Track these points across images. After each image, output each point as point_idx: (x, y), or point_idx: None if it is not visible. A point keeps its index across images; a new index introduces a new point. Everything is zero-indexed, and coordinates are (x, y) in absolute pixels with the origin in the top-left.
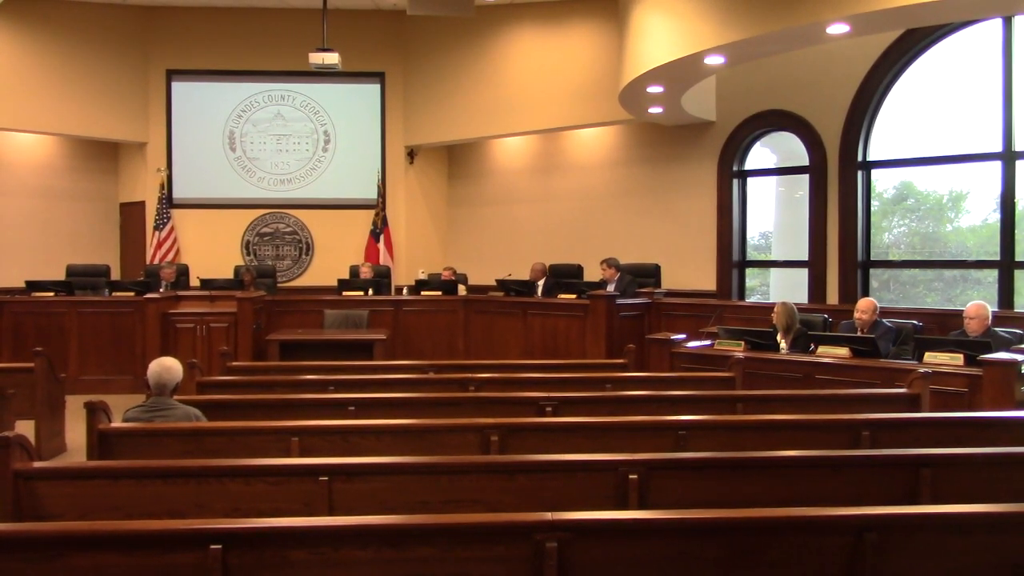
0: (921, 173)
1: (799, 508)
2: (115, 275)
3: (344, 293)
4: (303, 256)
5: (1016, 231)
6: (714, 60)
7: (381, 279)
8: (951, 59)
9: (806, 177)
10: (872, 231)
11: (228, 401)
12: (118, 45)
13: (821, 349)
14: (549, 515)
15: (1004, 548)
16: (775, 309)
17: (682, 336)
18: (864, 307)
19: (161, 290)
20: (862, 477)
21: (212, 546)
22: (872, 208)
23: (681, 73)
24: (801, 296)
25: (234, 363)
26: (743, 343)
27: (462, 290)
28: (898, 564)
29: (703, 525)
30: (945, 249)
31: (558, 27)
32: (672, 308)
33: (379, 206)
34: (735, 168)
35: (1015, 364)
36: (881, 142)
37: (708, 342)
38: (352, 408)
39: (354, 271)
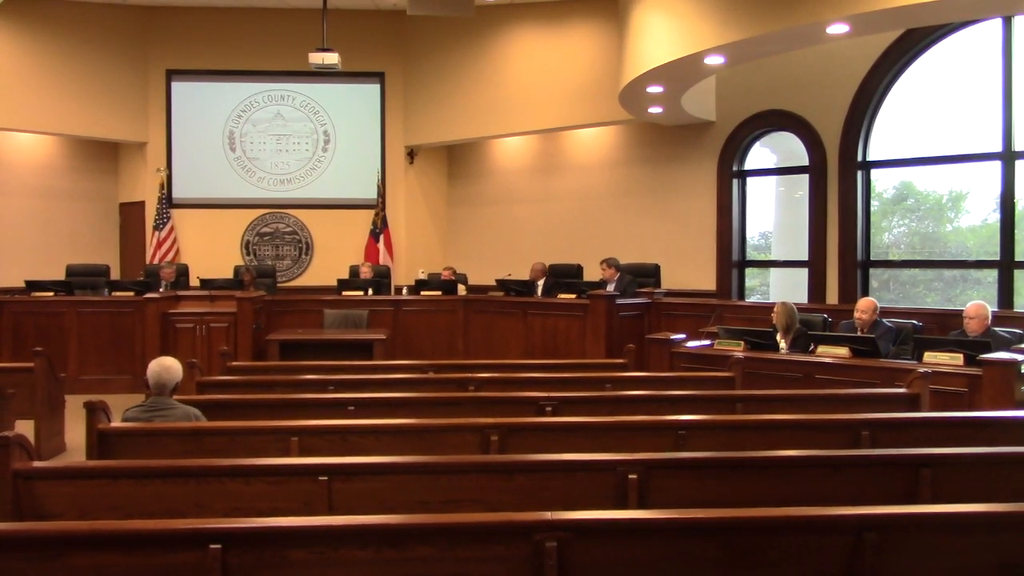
0: (921, 173)
1: (799, 508)
2: (115, 275)
3: (344, 293)
4: (303, 256)
5: (1016, 231)
6: (714, 60)
7: (381, 279)
8: (951, 59)
9: (806, 177)
10: (872, 231)
11: (228, 401)
12: (118, 45)
13: (821, 349)
14: (549, 515)
15: (1003, 548)
16: (775, 309)
17: (682, 336)
18: (864, 307)
19: (161, 290)
20: (862, 477)
21: (212, 546)
22: (872, 208)
23: (681, 73)
24: (801, 296)
25: (234, 363)
26: (743, 343)
27: (462, 290)
28: (897, 564)
29: (703, 525)
30: (945, 249)
31: (558, 27)
32: (672, 308)
33: (379, 206)
34: (735, 168)
35: (1015, 364)
36: (881, 142)
37: (708, 342)
38: (352, 408)
39: (354, 271)
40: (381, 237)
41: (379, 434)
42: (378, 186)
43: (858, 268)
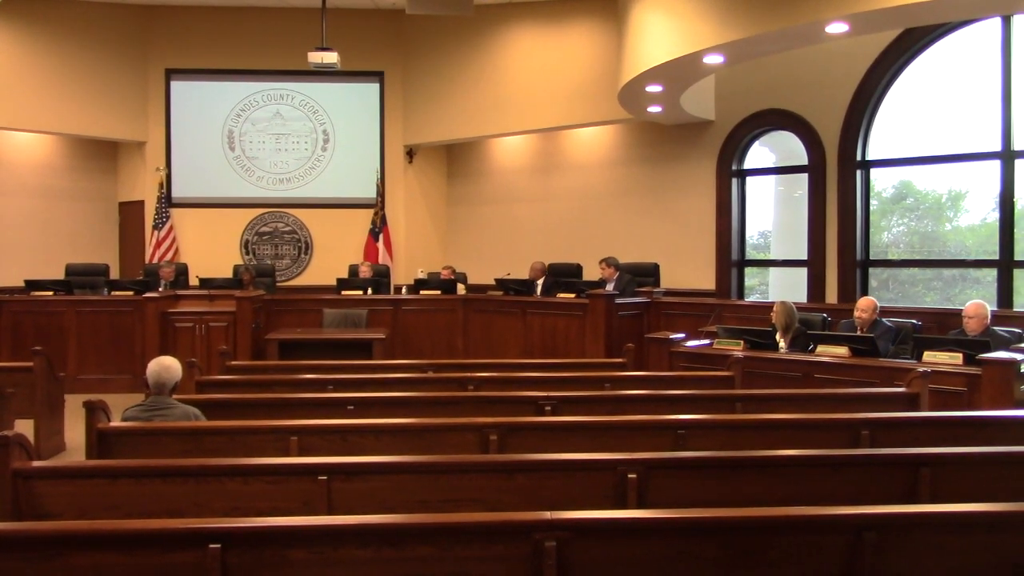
0: (920, 172)
1: (798, 507)
2: (114, 274)
3: (343, 292)
4: (302, 255)
5: (1015, 230)
6: (713, 59)
7: (380, 278)
8: (950, 58)
9: (805, 176)
10: (871, 230)
11: (227, 400)
12: (117, 44)
13: (820, 348)
14: (548, 514)
15: (1003, 547)
16: (774, 308)
17: (681, 335)
18: (864, 306)
19: (160, 289)
20: (861, 476)
21: (211, 545)
22: (871, 207)
23: (680, 72)
24: (800, 295)
25: (233, 362)
26: (742, 342)
27: (461, 289)
28: (897, 563)
29: (702, 524)
30: (944, 248)
31: (557, 26)
32: (671, 307)
33: (378, 205)
34: (734, 167)
35: (1014, 363)
36: (880, 141)
37: (707, 341)
38: (351, 407)
39: (353, 270)
40: (380, 236)
41: (379, 434)
42: (377, 185)
43: (857, 267)
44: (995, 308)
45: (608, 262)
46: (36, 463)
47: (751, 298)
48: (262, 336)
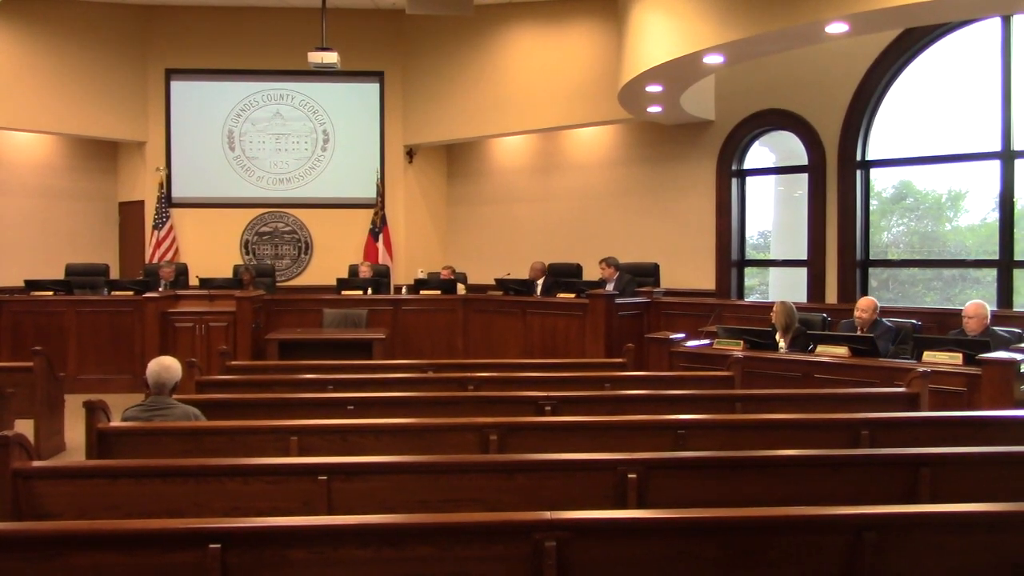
0: (920, 172)
1: (798, 508)
2: (114, 274)
3: (343, 292)
4: (302, 255)
5: (1015, 230)
6: (713, 59)
7: (380, 278)
8: (950, 58)
9: (805, 176)
10: (871, 230)
11: (227, 400)
12: (117, 44)
13: (820, 348)
14: (548, 514)
15: (1003, 547)
16: (774, 308)
17: (681, 335)
18: (864, 306)
19: (160, 289)
20: (861, 476)
21: (211, 545)
22: (871, 207)
23: (680, 72)
24: (800, 295)
25: (233, 362)
26: (742, 342)
27: (461, 289)
28: (897, 563)
29: (702, 524)
30: (944, 248)
31: (557, 26)
32: (671, 307)
33: (378, 205)
34: (734, 167)
35: (1014, 363)
36: (880, 141)
37: (707, 341)
38: (351, 407)
39: (353, 270)
40: (380, 236)
41: (379, 434)
42: (377, 185)
43: (857, 267)
44: (995, 308)
45: (608, 262)
46: (36, 463)
47: (751, 298)
48: (262, 336)
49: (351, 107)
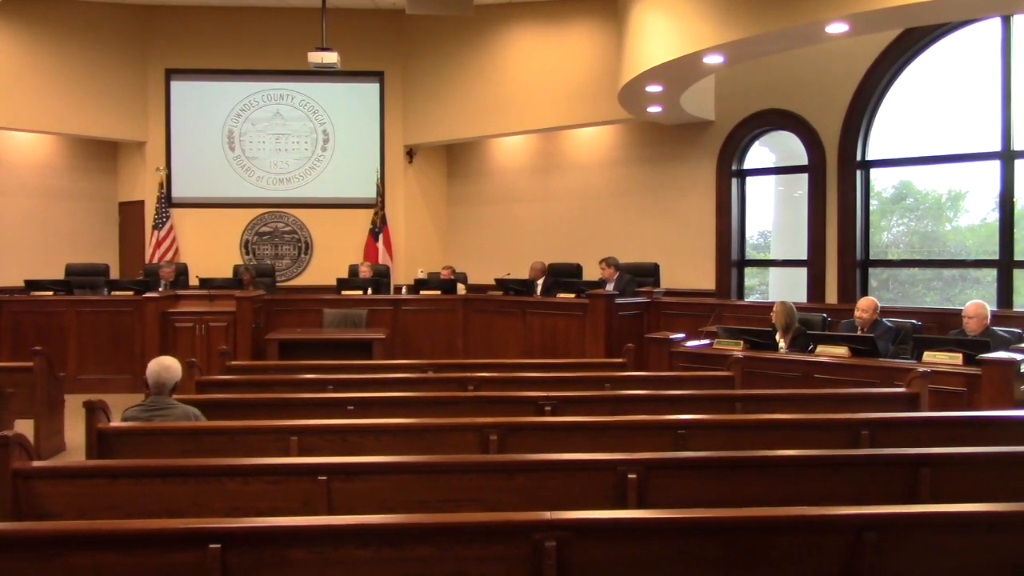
0: (920, 172)
1: (798, 508)
2: (114, 274)
3: (343, 292)
4: (302, 255)
5: (1015, 230)
6: (713, 59)
7: (380, 278)
8: (950, 58)
9: (805, 176)
10: (871, 230)
11: (227, 400)
12: (117, 44)
13: (820, 348)
14: (548, 514)
15: (1003, 547)
16: (774, 308)
17: (681, 335)
18: (865, 306)
19: (160, 289)
20: (861, 476)
21: (211, 545)
22: (871, 207)
23: (680, 72)
24: (800, 295)
25: (233, 362)
26: (742, 342)
27: (461, 289)
28: (897, 563)
29: (702, 525)
30: (944, 248)
31: (557, 26)
32: (671, 307)
33: (378, 205)
34: (734, 167)
35: (1014, 363)
36: (880, 141)
37: (707, 341)
38: (351, 407)
39: (353, 270)
40: (380, 236)
41: (379, 434)
42: (377, 185)
43: (857, 267)
44: (995, 308)
45: (608, 262)
46: (36, 463)
47: (751, 298)
48: (262, 336)
49: (351, 107)
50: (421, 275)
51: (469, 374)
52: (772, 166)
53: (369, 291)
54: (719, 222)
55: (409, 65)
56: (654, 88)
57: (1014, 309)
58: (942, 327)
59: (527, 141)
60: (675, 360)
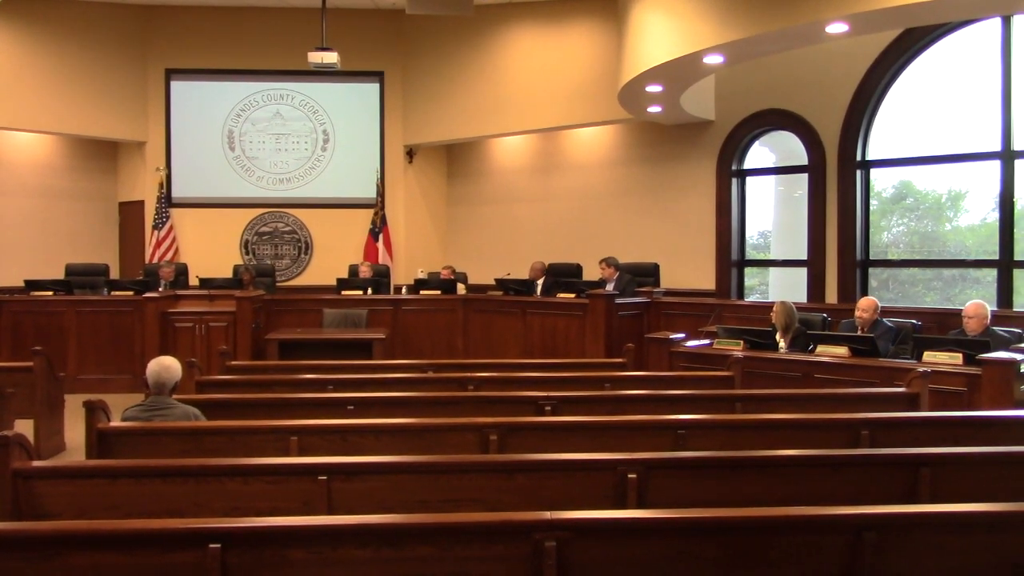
0: (920, 172)
1: (798, 508)
2: (114, 274)
3: (343, 292)
4: (302, 255)
5: (1015, 230)
6: (713, 59)
7: (380, 278)
8: (950, 58)
9: (805, 176)
10: (871, 230)
11: (227, 400)
12: (117, 44)
13: (820, 348)
14: (548, 514)
15: (1003, 547)
16: (774, 308)
17: (681, 335)
18: (865, 306)
19: (160, 289)
20: (861, 476)
21: (211, 545)
22: (871, 207)
23: (680, 72)
24: (800, 295)
25: (233, 362)
26: (742, 342)
27: (461, 289)
28: (897, 563)
29: (702, 524)
30: (944, 248)
31: (557, 26)
32: (671, 307)
33: (378, 205)
34: (734, 167)
35: (1014, 363)
36: (880, 141)
37: (707, 341)
38: (351, 407)
39: (353, 270)
40: (380, 236)
41: (378, 434)
42: (377, 185)
43: (857, 267)
44: (995, 308)
45: (608, 262)
46: (36, 463)
47: (751, 298)
48: (262, 336)
49: (351, 107)
50: (421, 275)
51: (469, 374)
52: (772, 166)
53: (369, 291)
54: (719, 222)
55: (409, 65)
56: (654, 88)
57: (1014, 309)
58: (942, 327)
59: (527, 141)
60: (675, 360)
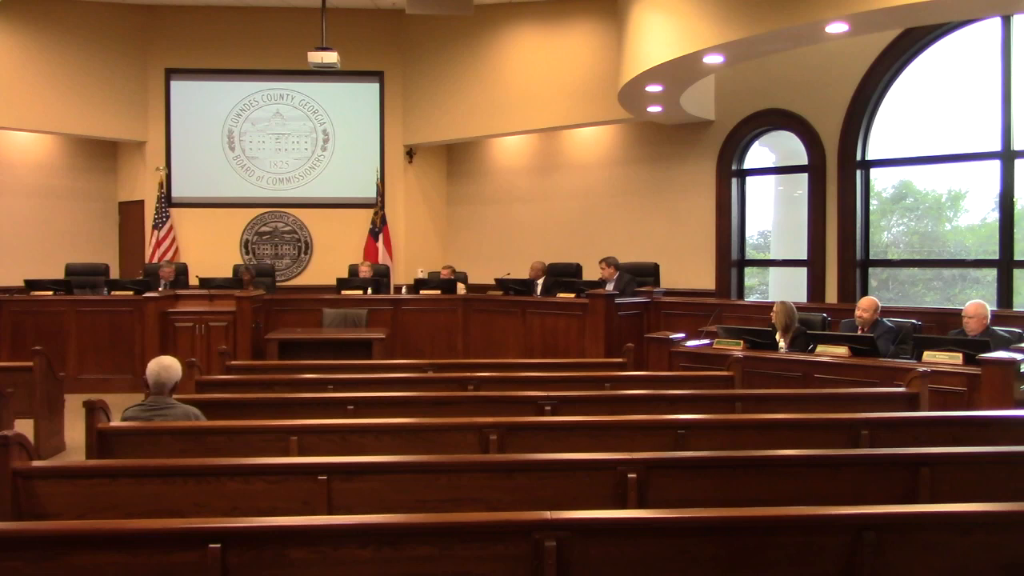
0: (920, 172)
1: (798, 507)
2: (114, 274)
3: (343, 292)
4: (302, 255)
5: (1015, 230)
6: (713, 59)
7: (380, 278)
8: (950, 58)
9: (805, 176)
10: (871, 230)
11: (227, 400)
12: (117, 44)
13: (820, 348)
14: (548, 514)
15: (1003, 547)
16: (774, 308)
17: (681, 335)
18: (865, 306)
19: (160, 289)
20: (861, 476)
21: (211, 545)
22: (871, 207)
23: (680, 72)
24: (800, 295)
25: (233, 362)
26: (742, 342)
27: (461, 289)
28: (897, 563)
29: (702, 524)
30: (944, 248)
31: (557, 26)
32: (671, 307)
33: (378, 205)
34: (734, 167)
35: (1014, 363)
36: (880, 141)
37: (707, 341)
38: (351, 407)
39: (353, 270)
40: (380, 236)
41: (378, 433)
42: (377, 185)
43: (857, 267)
44: (995, 308)
45: (608, 262)
46: (36, 463)
47: (751, 298)
48: (262, 336)
49: (351, 107)
50: (421, 275)
51: (469, 374)
52: (772, 166)
53: (369, 291)
54: (719, 222)
55: (409, 65)
56: (654, 88)
57: (1014, 309)
58: (942, 327)
59: (527, 141)
60: (675, 360)
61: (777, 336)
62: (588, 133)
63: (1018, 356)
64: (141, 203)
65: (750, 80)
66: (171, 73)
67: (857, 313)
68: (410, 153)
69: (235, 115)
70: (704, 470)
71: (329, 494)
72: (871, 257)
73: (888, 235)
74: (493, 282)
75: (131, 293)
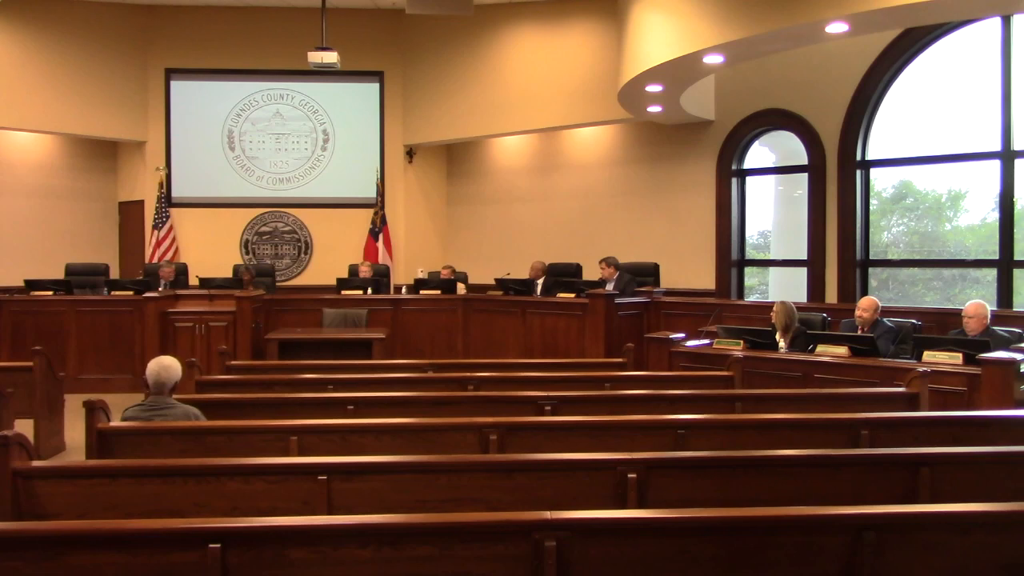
0: (920, 172)
1: (798, 507)
2: (114, 274)
3: (343, 292)
4: (302, 255)
5: (1015, 230)
6: (713, 59)
7: (380, 278)
8: (950, 58)
9: (805, 176)
10: (871, 230)
11: (227, 400)
12: (117, 44)
13: (820, 348)
14: (548, 514)
15: (1003, 547)
16: (774, 308)
17: (681, 335)
18: (865, 306)
19: (160, 289)
20: (861, 476)
21: (211, 545)
22: (871, 207)
23: (680, 72)
24: (800, 295)
25: (233, 362)
26: (742, 342)
27: (461, 289)
28: (897, 563)
29: (702, 524)
30: (944, 248)
31: (557, 26)
32: (671, 307)
33: (378, 205)
34: (734, 167)
35: (1014, 363)
36: (880, 141)
37: (707, 341)
38: (351, 407)
39: (353, 270)
40: (380, 236)
41: (378, 433)
42: (377, 185)
43: (857, 267)
44: (995, 308)
45: (608, 262)
46: (36, 463)
47: (751, 298)
48: (262, 336)
49: (351, 107)
50: (421, 275)
51: (469, 374)
52: (772, 166)
53: (369, 291)
54: (719, 222)
55: (409, 65)
56: (654, 88)
57: (1014, 309)
58: (942, 327)
59: (527, 141)
60: (675, 360)
61: (777, 336)
62: (588, 133)
63: (1018, 356)
64: (141, 203)
65: (750, 80)
66: (171, 73)
67: (857, 313)
68: (410, 153)
69: (235, 115)
70: (704, 470)
71: (329, 494)
72: (871, 257)
73: (888, 235)
74: (493, 282)
75: (131, 293)
